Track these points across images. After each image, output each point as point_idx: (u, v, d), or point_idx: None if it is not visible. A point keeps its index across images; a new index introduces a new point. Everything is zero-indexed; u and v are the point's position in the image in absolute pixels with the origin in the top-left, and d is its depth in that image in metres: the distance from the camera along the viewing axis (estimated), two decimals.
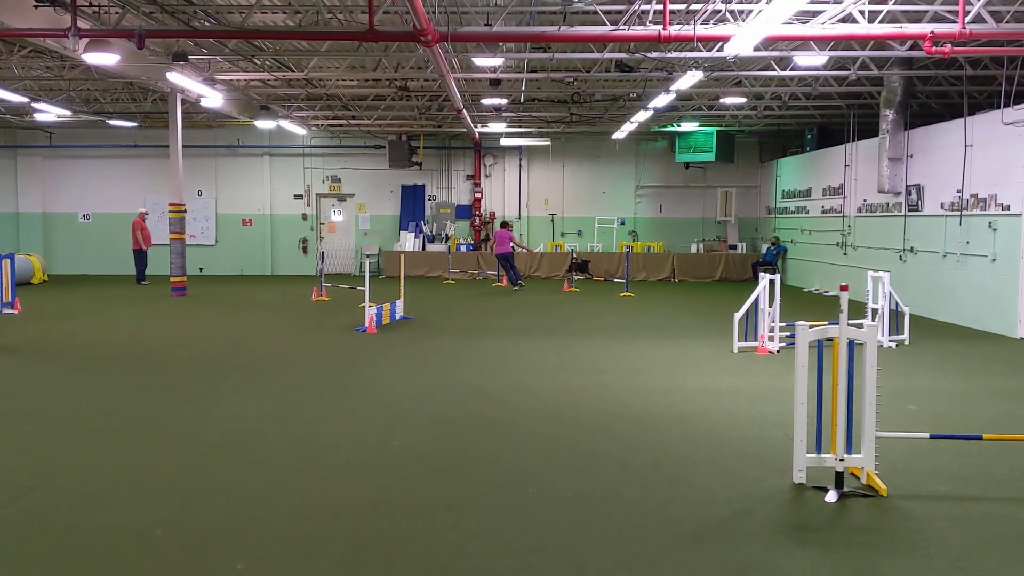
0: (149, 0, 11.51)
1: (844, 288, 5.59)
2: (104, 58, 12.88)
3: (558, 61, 15.22)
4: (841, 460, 5.63)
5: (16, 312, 15.64)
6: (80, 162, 26.52)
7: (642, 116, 20.37)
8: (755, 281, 20.51)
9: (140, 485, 5.77)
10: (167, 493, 5.60)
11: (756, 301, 11.54)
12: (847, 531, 5.01)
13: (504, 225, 21.47)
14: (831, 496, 5.51)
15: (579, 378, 9.62)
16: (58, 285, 22.08)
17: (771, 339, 11.55)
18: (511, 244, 20.90)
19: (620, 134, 24.19)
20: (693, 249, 25.91)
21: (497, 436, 7.11)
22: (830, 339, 5.71)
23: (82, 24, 12.05)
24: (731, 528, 5.04)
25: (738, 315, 11.61)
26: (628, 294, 19.93)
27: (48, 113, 21.96)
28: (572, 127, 24.46)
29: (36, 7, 12.38)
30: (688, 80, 15.08)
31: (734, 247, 25.92)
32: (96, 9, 13.17)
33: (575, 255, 22.61)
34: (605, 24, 11.84)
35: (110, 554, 4.60)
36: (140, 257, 22.80)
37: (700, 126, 24.23)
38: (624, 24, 11.62)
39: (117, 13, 13.00)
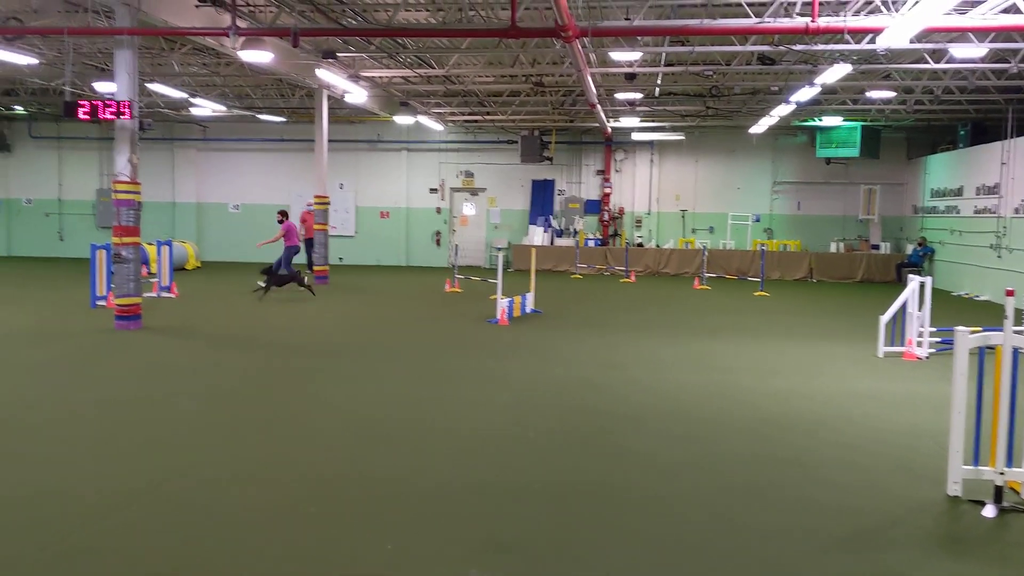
0: None
1: (1010, 293, 5.30)
2: (259, 56, 13.54)
3: (697, 54, 15.00)
4: (1001, 474, 5.35)
5: (173, 296, 16.67)
6: (231, 155, 27.97)
7: (783, 110, 19.81)
8: (899, 283, 19.67)
9: (291, 463, 6.07)
10: (317, 472, 5.87)
11: (904, 304, 11.05)
12: (1006, 546, 4.77)
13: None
14: (989, 510, 5.25)
15: (711, 377, 9.48)
16: (210, 271, 23.38)
17: (919, 344, 11.04)
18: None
19: (758, 128, 23.60)
20: (832, 248, 25.00)
21: (629, 433, 7.10)
22: (991, 347, 5.43)
23: (239, 23, 12.70)
24: (880, 538, 4.88)
25: (884, 318, 11.14)
26: (763, 293, 19.45)
27: (203, 108, 23.27)
28: (707, 121, 24.02)
29: (197, 6, 13.14)
30: (834, 73, 14.57)
31: (877, 247, 24.84)
32: (252, 8, 13.86)
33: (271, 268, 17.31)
34: (749, 16, 11.59)
35: (269, 526, 4.87)
36: (305, 247, 23.14)
37: (844, 120, 23.35)
38: (770, 16, 11.34)
39: (272, 12, 13.64)
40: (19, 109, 26.01)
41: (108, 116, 12.01)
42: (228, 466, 5.97)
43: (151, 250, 19.01)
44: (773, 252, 24.36)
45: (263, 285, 16.58)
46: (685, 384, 9.07)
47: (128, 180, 12.25)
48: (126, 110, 11.98)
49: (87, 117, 12.17)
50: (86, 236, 27.46)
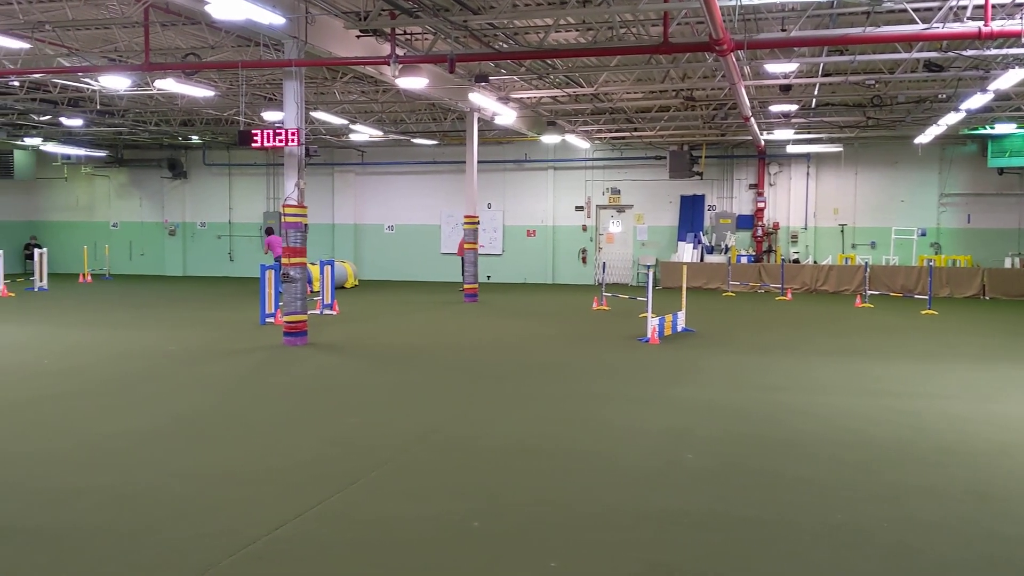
0: (457, 26, 12.37)
1: None
2: (415, 82, 14.03)
3: (858, 63, 14.42)
4: None
5: (335, 313, 17.42)
6: (386, 178, 29.06)
7: (951, 118, 18.76)
8: None
9: (451, 480, 6.21)
10: (476, 490, 5.97)
11: None
12: None
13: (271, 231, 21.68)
14: None
15: (880, 401, 9.03)
16: (367, 289, 24.29)
17: None
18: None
19: (924, 138, 22.43)
20: (1007, 263, 23.36)
21: (793, 458, 6.85)
22: None
23: (397, 51, 13.19)
24: None
25: None
26: (931, 312, 18.38)
27: (361, 134, 24.29)
28: (868, 132, 23.02)
29: (358, 37, 13.76)
30: (1010, 79, 13.70)
31: None
32: (409, 37, 14.39)
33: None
34: (916, 22, 11.06)
35: (434, 541, 4.99)
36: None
37: (1018, 128, 21.85)
38: (938, 21, 10.79)
39: (428, 40, 14.11)
40: (195, 139, 27.97)
41: (277, 144, 12.72)
42: (396, 481, 6.16)
43: (314, 269, 19.98)
44: (941, 268, 23.01)
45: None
46: (852, 409, 8.68)
47: (296, 204, 12.91)
48: (294, 137, 12.65)
49: (259, 145, 12.92)
50: (254, 257, 29.18)
